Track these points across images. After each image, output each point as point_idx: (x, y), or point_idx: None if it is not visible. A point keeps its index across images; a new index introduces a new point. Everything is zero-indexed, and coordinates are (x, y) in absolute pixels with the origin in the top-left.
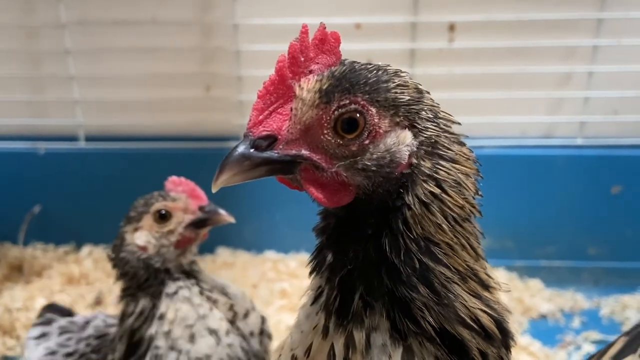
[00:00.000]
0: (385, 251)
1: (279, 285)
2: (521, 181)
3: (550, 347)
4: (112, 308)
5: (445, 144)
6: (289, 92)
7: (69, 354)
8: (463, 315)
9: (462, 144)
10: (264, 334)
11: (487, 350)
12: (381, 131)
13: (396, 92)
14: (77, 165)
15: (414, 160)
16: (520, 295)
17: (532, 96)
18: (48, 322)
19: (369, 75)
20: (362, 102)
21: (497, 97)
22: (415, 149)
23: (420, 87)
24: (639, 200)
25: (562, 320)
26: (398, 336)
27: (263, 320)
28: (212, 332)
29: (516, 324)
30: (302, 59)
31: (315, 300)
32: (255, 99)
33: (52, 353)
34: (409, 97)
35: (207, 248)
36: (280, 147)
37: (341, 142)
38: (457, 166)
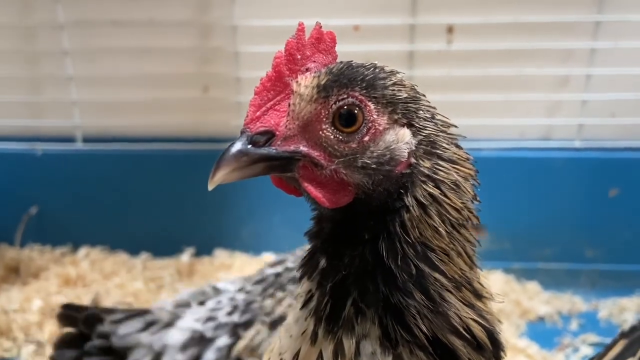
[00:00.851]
0: (382, 256)
1: None
2: (519, 183)
3: (548, 350)
4: None
5: (444, 144)
6: (287, 88)
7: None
8: (456, 325)
9: (460, 147)
10: None
11: None
12: (380, 128)
13: (393, 90)
14: (74, 166)
15: (413, 160)
16: (518, 298)
17: (530, 98)
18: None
19: (366, 72)
20: (360, 97)
21: (496, 99)
22: (414, 148)
23: (415, 87)
24: (637, 202)
25: (560, 323)
26: (388, 344)
27: None
28: None
29: (514, 327)
30: (299, 56)
31: (304, 304)
32: (253, 96)
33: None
34: (406, 95)
35: (205, 250)
36: (279, 143)
37: (340, 137)
38: (456, 167)
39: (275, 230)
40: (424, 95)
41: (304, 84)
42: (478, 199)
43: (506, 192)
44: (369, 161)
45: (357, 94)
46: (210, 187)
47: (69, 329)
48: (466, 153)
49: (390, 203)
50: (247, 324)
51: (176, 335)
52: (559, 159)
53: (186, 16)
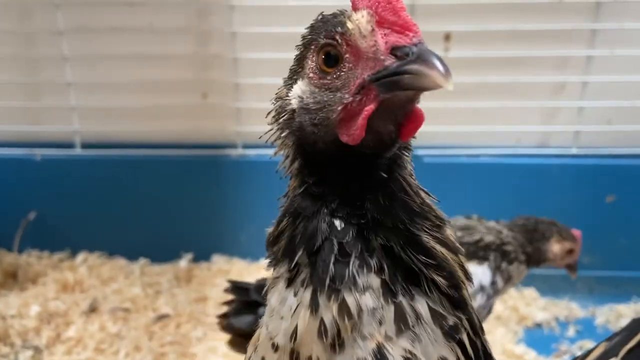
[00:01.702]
0: (402, 188)
1: None
2: (516, 190)
3: (545, 356)
4: (107, 316)
5: None
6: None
7: None
8: (451, 245)
9: None
10: None
11: (465, 282)
12: None
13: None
14: (73, 172)
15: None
16: (515, 304)
17: (527, 105)
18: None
19: None
20: None
21: (492, 106)
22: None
23: None
24: (633, 209)
25: (557, 329)
26: (391, 292)
27: None
28: None
29: (511, 333)
30: None
31: (290, 282)
32: (401, 7)
33: None
34: None
35: (203, 255)
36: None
37: None
38: None
39: None
40: None
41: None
42: None
43: (503, 199)
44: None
45: None
46: (450, 87)
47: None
48: None
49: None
50: None
51: None
52: (556, 166)
53: (185, 23)
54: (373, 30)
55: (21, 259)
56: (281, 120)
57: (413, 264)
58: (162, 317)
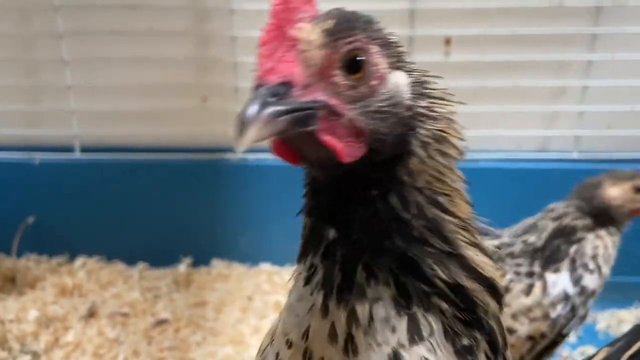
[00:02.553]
0: (394, 208)
1: (274, 297)
2: (516, 195)
3: None
4: (106, 320)
5: (431, 83)
6: (291, 37)
7: None
8: (473, 267)
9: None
10: None
11: (489, 302)
12: (384, 70)
13: (386, 33)
14: (72, 176)
15: (411, 102)
16: None
17: (527, 110)
18: None
19: (362, 16)
20: (364, 40)
21: (492, 110)
22: (410, 89)
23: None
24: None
25: None
26: (403, 304)
27: None
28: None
29: None
30: (293, 5)
31: (308, 280)
32: (260, 47)
33: None
34: (395, 39)
35: (202, 260)
36: (298, 93)
37: (351, 84)
38: (445, 102)
39: (273, 240)
40: None
41: (310, 30)
42: (464, 137)
43: (502, 204)
44: (381, 104)
45: (361, 36)
46: (241, 149)
47: None
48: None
49: (396, 151)
50: None
51: None
52: (556, 171)
53: (185, 26)
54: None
55: (19, 263)
56: None
57: (413, 287)
58: (161, 322)
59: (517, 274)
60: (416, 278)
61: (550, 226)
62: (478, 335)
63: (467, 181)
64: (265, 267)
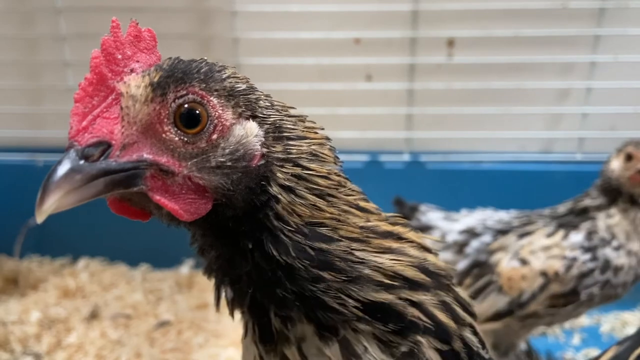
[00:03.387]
0: (274, 256)
1: None
2: (520, 196)
3: None
4: (108, 322)
5: (290, 126)
6: (112, 92)
7: None
8: (381, 279)
9: (303, 120)
10: None
11: (420, 298)
12: (227, 123)
13: (231, 82)
14: None
15: (265, 150)
16: None
17: (530, 111)
18: None
19: (201, 65)
20: (200, 92)
21: (496, 112)
22: (263, 138)
23: (248, 78)
24: None
25: (562, 337)
26: (328, 334)
27: None
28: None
29: None
30: (120, 56)
31: (246, 332)
32: (74, 103)
33: None
34: (245, 87)
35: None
36: (117, 153)
37: (186, 139)
38: (306, 140)
39: None
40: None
41: (134, 83)
42: (340, 161)
43: (506, 205)
44: (223, 159)
45: (196, 88)
46: (40, 219)
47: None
48: (312, 122)
49: (255, 200)
50: (504, 232)
51: (457, 226)
52: (560, 172)
53: (188, 29)
54: None
55: (22, 265)
56: None
57: (330, 319)
58: (163, 324)
59: (543, 224)
60: (327, 311)
61: (569, 204)
62: (419, 337)
63: (349, 178)
64: None
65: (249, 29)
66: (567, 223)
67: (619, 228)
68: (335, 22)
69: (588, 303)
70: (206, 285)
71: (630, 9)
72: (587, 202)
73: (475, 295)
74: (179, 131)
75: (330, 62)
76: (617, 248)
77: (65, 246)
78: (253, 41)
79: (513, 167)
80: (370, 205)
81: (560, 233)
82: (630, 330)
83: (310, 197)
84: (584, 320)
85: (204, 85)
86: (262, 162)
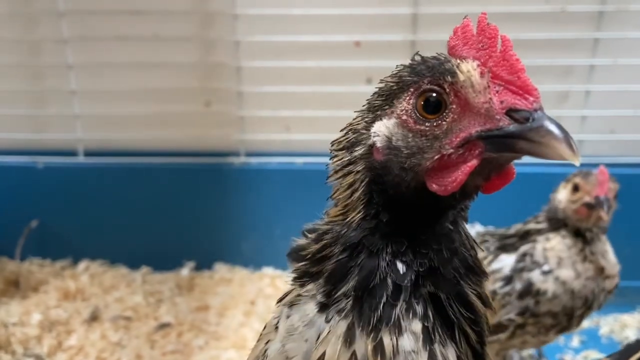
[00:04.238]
0: (459, 242)
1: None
2: (518, 199)
3: None
4: (109, 324)
5: None
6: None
7: None
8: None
9: None
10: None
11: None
12: None
13: None
14: (76, 180)
15: None
16: None
17: None
18: None
19: None
20: None
21: None
22: None
23: None
24: (637, 218)
25: (561, 340)
26: (429, 339)
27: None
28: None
29: None
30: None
31: (324, 307)
32: (521, 67)
33: None
34: None
35: (205, 264)
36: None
37: None
38: None
39: (276, 244)
40: None
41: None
42: None
43: (505, 208)
44: None
45: None
46: (579, 162)
47: None
48: None
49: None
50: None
51: None
52: (559, 175)
53: (189, 32)
54: (488, 86)
55: (23, 267)
56: (356, 152)
57: (454, 315)
58: (163, 326)
59: (488, 245)
60: (461, 304)
61: (516, 227)
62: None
63: None
64: (268, 271)
65: (250, 31)
66: (508, 245)
67: (553, 253)
68: (336, 25)
69: (522, 332)
70: (207, 287)
71: (629, 13)
72: (531, 225)
73: None
74: None
75: (331, 64)
76: (546, 272)
77: (65, 248)
78: (254, 44)
79: None
80: None
81: (489, 258)
82: (630, 333)
83: None
84: (583, 322)
85: None
86: None
